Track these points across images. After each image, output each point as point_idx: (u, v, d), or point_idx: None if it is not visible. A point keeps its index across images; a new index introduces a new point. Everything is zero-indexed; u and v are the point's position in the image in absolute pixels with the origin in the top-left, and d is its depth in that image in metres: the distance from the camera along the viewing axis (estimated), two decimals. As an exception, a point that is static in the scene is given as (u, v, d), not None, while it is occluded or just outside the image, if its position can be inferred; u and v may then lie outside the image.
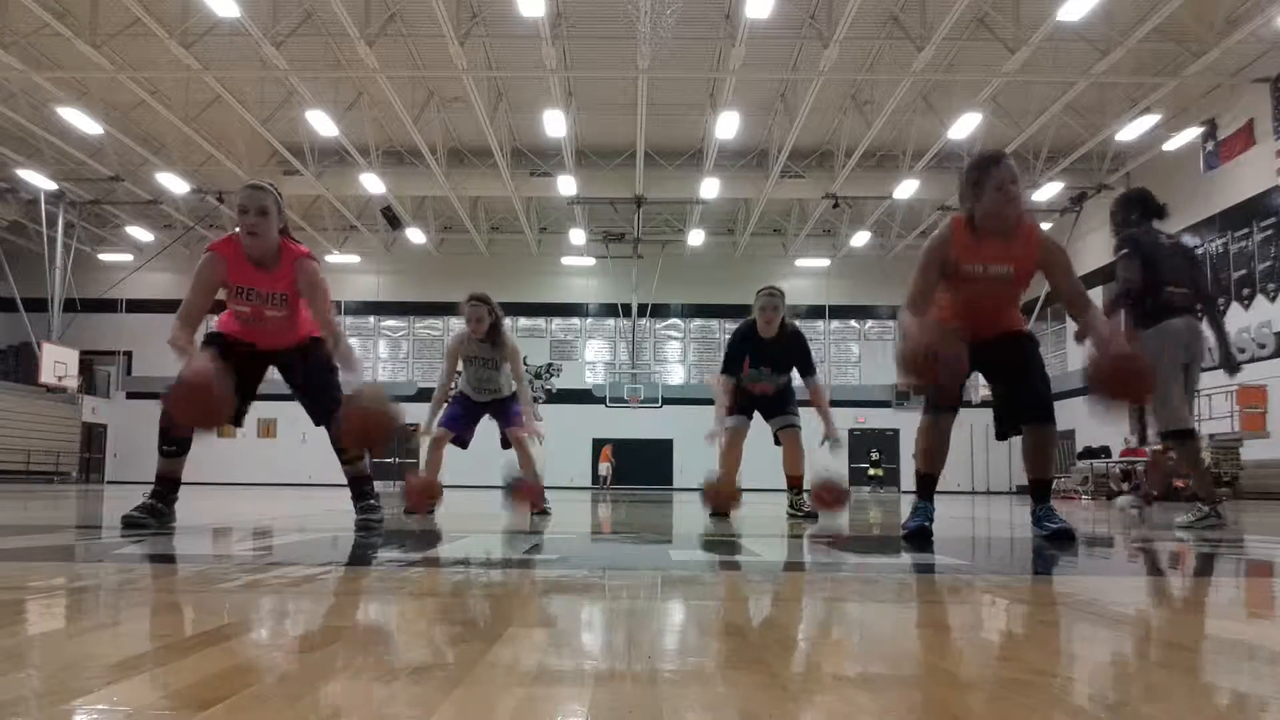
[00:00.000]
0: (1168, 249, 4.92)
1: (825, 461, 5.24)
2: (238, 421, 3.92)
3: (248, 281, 3.66)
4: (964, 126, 17.28)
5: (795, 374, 5.73)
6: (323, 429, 3.98)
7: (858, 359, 27.60)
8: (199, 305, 3.65)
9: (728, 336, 5.85)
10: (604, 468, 25.15)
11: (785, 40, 16.23)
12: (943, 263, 3.52)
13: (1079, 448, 20.84)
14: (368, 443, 3.61)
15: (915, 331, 3.18)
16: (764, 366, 5.53)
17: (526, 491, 5.44)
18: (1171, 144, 18.23)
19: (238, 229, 3.62)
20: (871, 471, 24.66)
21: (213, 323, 3.95)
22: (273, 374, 3.99)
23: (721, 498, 5.32)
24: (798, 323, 5.76)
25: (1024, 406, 3.65)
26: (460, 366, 5.74)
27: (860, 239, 24.54)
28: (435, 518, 5.13)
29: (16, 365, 24.86)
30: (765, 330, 5.48)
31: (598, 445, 26.13)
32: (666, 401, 25.03)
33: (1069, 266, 3.56)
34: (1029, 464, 3.71)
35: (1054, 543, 3.38)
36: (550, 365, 25.62)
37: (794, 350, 5.56)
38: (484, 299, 5.58)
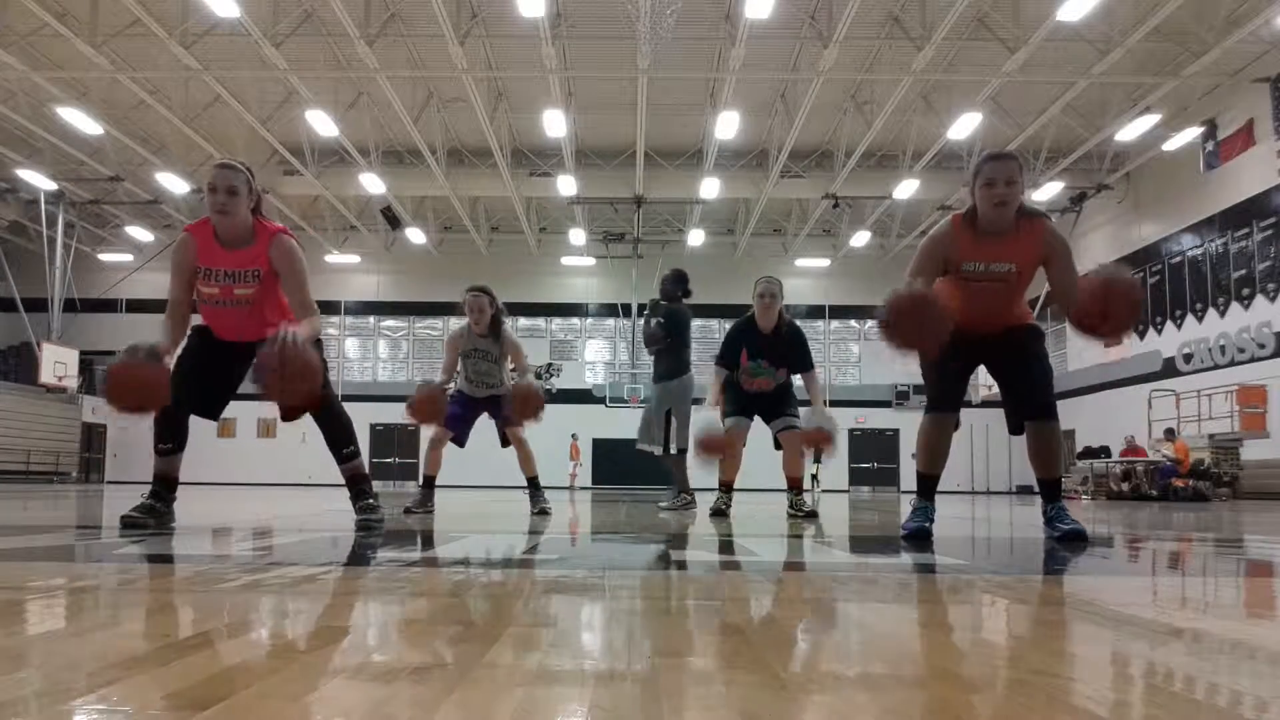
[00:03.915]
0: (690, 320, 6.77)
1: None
2: (215, 416, 3.91)
3: (217, 262, 3.62)
4: (964, 126, 17.28)
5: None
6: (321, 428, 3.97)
7: (858, 359, 27.60)
8: (178, 290, 3.66)
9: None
10: (570, 465, 24.17)
11: (785, 40, 16.23)
12: (942, 259, 3.51)
13: (1079, 447, 20.84)
14: (289, 390, 3.27)
15: (902, 294, 3.17)
16: (762, 360, 5.53)
17: (528, 398, 5.25)
18: (1171, 144, 18.23)
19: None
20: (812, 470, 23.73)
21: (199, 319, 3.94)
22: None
23: (718, 452, 5.30)
24: (795, 322, 5.77)
25: (1025, 404, 3.63)
26: (459, 363, 5.74)
27: (860, 239, 24.55)
28: (434, 517, 5.13)
29: (16, 365, 24.85)
30: (763, 320, 5.48)
31: (597, 445, 26.07)
32: (666, 401, 24.98)
33: (1069, 261, 3.50)
34: (1034, 463, 3.68)
35: (1066, 544, 3.36)
36: (550, 365, 25.58)
37: (793, 345, 5.56)
38: (484, 289, 5.59)
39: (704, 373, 6.04)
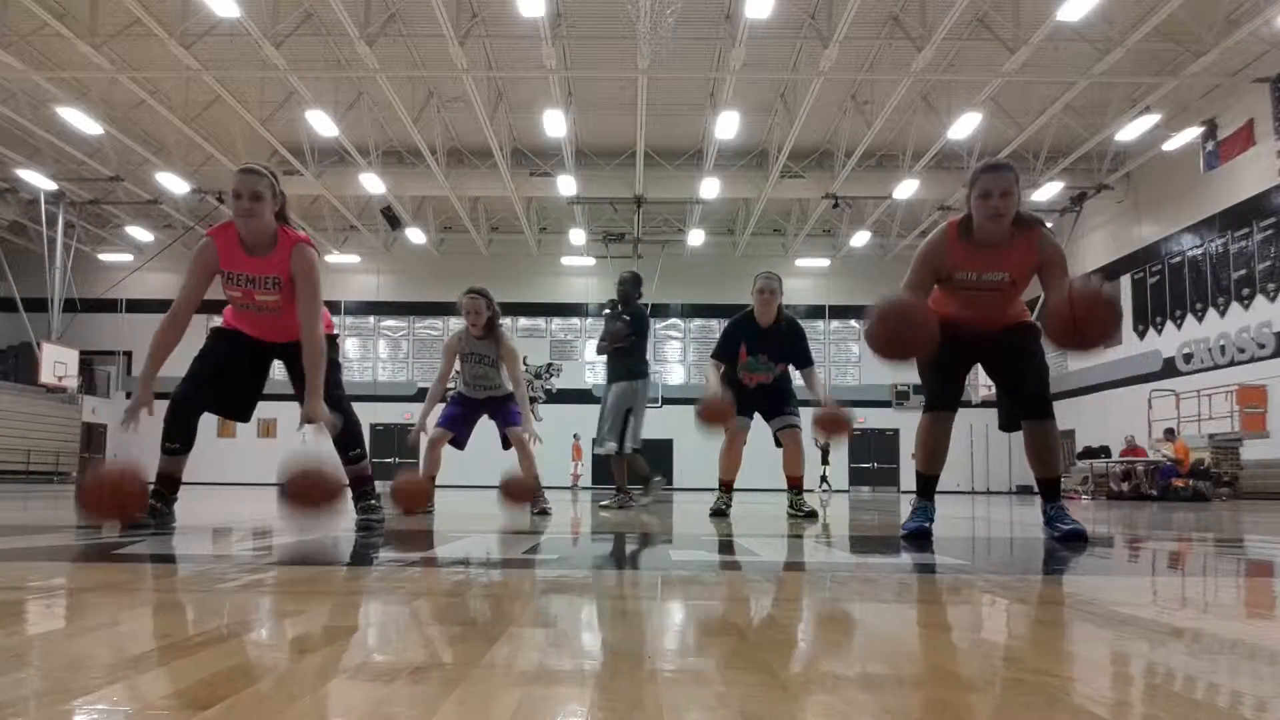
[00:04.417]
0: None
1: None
2: (245, 417, 3.94)
3: (240, 267, 3.62)
4: (964, 126, 17.28)
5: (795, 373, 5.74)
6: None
7: (858, 359, 27.59)
8: (190, 291, 3.65)
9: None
10: (574, 466, 23.90)
11: (785, 40, 16.23)
12: (937, 268, 3.51)
13: (1079, 447, 20.84)
14: (310, 506, 3.30)
15: (885, 305, 3.19)
16: (762, 354, 5.52)
17: (518, 491, 5.28)
18: (1171, 144, 18.23)
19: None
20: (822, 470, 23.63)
21: (216, 320, 3.95)
22: (273, 374, 3.97)
23: (720, 419, 5.21)
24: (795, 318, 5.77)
25: (1022, 403, 3.62)
26: (457, 365, 5.74)
27: (860, 239, 24.55)
28: (434, 517, 5.13)
29: (16, 365, 24.84)
30: (762, 315, 5.47)
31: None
32: (666, 401, 25.01)
33: (1064, 269, 3.48)
34: (1032, 462, 3.68)
35: (1066, 544, 3.36)
36: (550, 365, 25.53)
37: (792, 340, 5.55)
38: (481, 292, 5.57)
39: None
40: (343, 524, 3.96)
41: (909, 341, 3.19)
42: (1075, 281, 3.16)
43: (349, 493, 3.36)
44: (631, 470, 6.80)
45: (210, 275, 3.67)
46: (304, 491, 3.23)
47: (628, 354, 6.71)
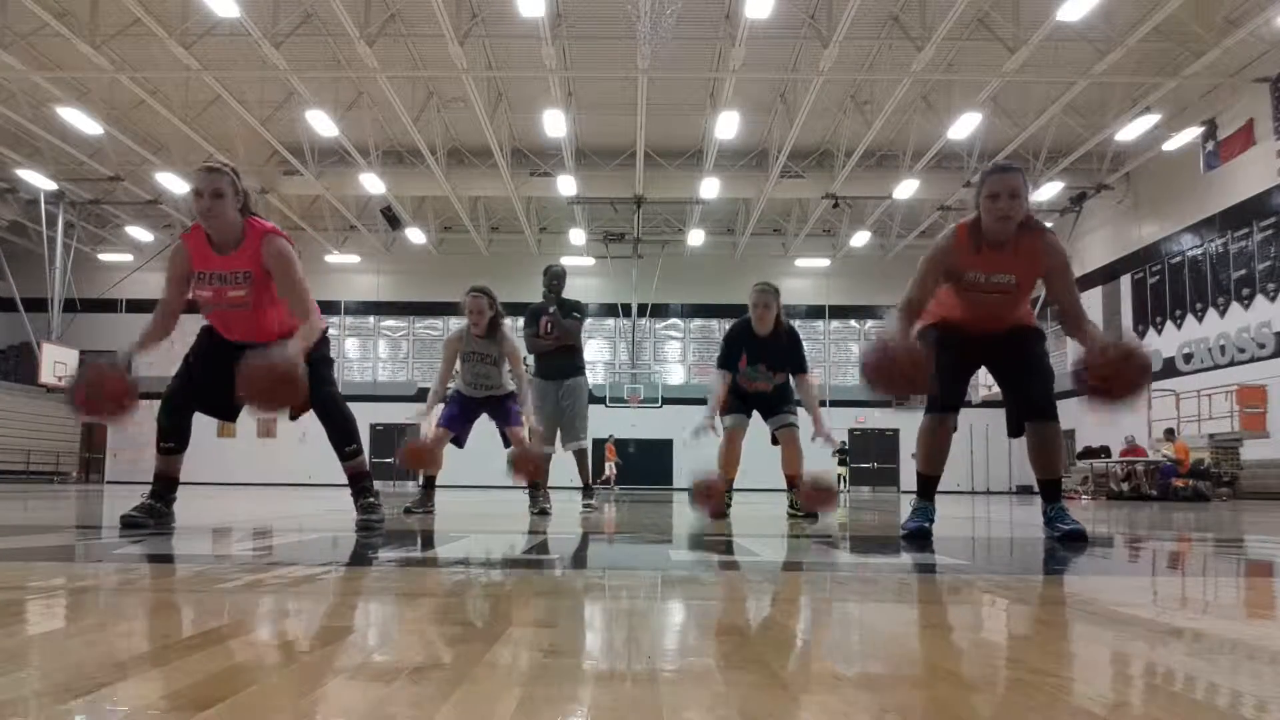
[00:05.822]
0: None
1: (811, 464, 5.40)
2: (231, 417, 3.92)
3: (210, 265, 3.62)
4: (964, 126, 17.28)
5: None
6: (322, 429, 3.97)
7: (858, 359, 27.58)
8: (171, 297, 3.68)
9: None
10: (608, 466, 24.63)
11: (785, 40, 16.23)
12: (945, 269, 3.52)
13: (1079, 447, 20.83)
14: (268, 400, 3.32)
15: (885, 350, 3.26)
16: (761, 364, 5.52)
17: (526, 463, 5.32)
18: (1171, 144, 18.23)
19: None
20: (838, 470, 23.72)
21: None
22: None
23: (714, 501, 5.20)
24: (795, 322, 5.76)
25: (1025, 405, 3.63)
26: (457, 364, 5.73)
27: (860, 239, 24.54)
28: (434, 517, 5.14)
29: (16, 365, 24.85)
30: (760, 327, 5.47)
31: (598, 444, 26.10)
32: (666, 401, 25.03)
33: (1068, 274, 3.52)
34: (1034, 463, 3.68)
35: (1066, 544, 3.37)
36: (550, 365, 25.59)
37: (789, 348, 5.56)
38: (484, 291, 5.56)
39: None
40: (343, 524, 3.95)
41: (903, 383, 3.29)
42: (1103, 334, 3.27)
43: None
44: (588, 467, 6.58)
45: (185, 278, 3.67)
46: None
47: (574, 350, 6.58)
